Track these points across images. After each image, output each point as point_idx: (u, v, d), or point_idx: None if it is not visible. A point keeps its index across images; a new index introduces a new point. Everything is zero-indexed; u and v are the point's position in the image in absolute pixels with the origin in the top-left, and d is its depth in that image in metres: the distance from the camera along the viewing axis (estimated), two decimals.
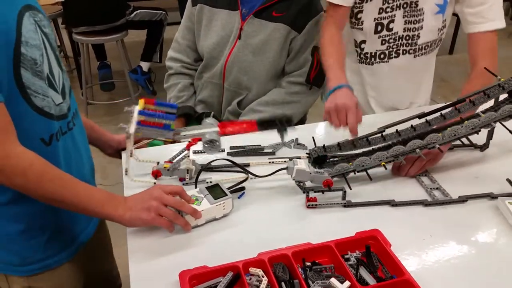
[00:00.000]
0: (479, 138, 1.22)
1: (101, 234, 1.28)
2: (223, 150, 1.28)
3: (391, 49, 1.43)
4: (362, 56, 1.49)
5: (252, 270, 0.87)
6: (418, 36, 1.39)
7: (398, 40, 1.40)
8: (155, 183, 1.15)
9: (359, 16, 1.40)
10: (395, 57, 1.45)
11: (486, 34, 1.31)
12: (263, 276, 0.86)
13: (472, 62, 1.33)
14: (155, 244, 0.98)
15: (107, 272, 1.37)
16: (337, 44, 1.39)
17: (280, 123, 1.09)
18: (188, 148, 1.15)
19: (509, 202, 1.04)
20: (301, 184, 1.11)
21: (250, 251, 0.91)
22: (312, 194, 1.09)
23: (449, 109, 1.19)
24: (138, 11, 3.45)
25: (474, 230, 1.02)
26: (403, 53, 1.43)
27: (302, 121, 1.70)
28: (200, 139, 1.09)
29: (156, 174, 1.15)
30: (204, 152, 1.19)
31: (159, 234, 1.00)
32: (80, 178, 0.98)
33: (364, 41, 1.45)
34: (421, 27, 1.37)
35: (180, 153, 1.18)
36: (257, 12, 1.50)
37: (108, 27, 3.20)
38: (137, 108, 1.04)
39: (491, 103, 1.20)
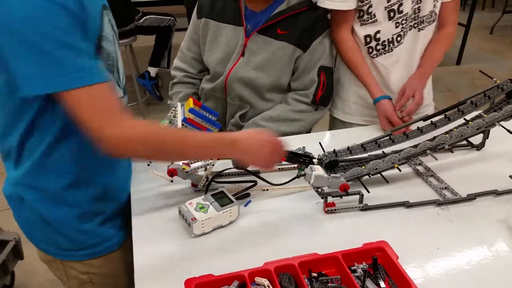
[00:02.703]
0: (475, 137, 1.27)
1: None
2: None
3: (404, 30, 1.48)
4: (379, 47, 1.51)
5: (258, 279, 0.87)
6: (419, 9, 1.46)
7: (408, 19, 1.46)
8: (172, 181, 1.15)
9: (370, 10, 1.45)
10: (406, 35, 1.50)
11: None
12: (268, 286, 0.85)
13: (442, 22, 1.54)
14: (161, 252, 0.98)
15: None
16: (358, 49, 1.52)
17: (304, 161, 1.13)
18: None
19: None
20: (319, 190, 1.11)
21: (256, 260, 0.91)
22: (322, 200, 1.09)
23: (452, 110, 1.27)
24: (147, 16, 3.47)
25: (482, 243, 1.01)
26: (409, 29, 1.49)
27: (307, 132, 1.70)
28: None
29: (172, 172, 1.13)
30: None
31: (165, 241, 1.00)
32: (126, 176, 1.09)
33: (378, 31, 1.48)
34: (421, 0, 1.45)
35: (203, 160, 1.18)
36: (262, 29, 1.47)
37: (117, 31, 3.21)
38: (179, 104, 1.04)
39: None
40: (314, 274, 0.90)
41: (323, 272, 0.91)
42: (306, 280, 0.87)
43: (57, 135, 0.94)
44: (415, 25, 1.49)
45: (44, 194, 1.00)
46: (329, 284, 0.88)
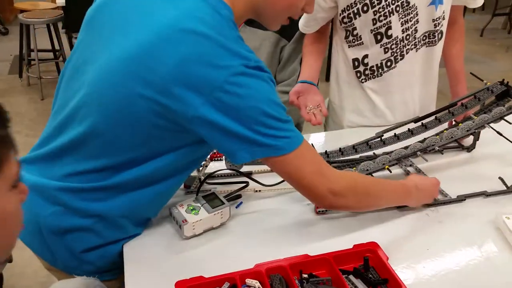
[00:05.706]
0: (465, 139, 1.29)
1: None
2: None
3: (396, 54, 1.40)
4: (368, 72, 1.45)
5: (249, 281, 0.87)
6: (416, 30, 1.39)
7: (400, 43, 1.39)
8: None
9: (355, 32, 1.39)
10: (401, 59, 1.42)
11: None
12: None
13: (452, 20, 1.51)
14: (152, 254, 0.97)
15: None
16: (316, 51, 1.50)
17: None
18: (211, 158, 1.16)
19: (506, 217, 1.04)
20: None
21: (247, 261, 0.91)
22: None
23: (443, 112, 1.28)
24: None
25: (472, 244, 1.02)
26: (406, 53, 1.41)
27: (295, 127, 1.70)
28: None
29: None
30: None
31: (156, 244, 1.00)
32: None
33: (366, 56, 1.42)
34: (417, 21, 1.37)
35: None
36: (249, 20, 1.51)
37: None
38: None
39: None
40: (305, 275, 0.90)
41: (314, 274, 0.91)
42: (297, 282, 0.87)
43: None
44: (412, 47, 1.41)
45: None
46: (320, 285, 0.88)
